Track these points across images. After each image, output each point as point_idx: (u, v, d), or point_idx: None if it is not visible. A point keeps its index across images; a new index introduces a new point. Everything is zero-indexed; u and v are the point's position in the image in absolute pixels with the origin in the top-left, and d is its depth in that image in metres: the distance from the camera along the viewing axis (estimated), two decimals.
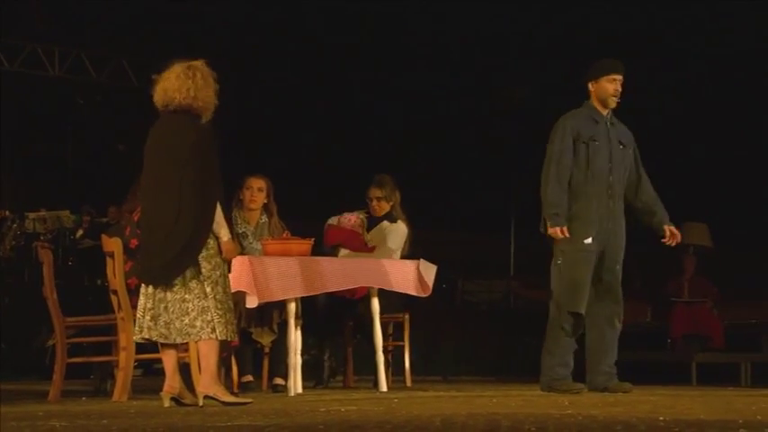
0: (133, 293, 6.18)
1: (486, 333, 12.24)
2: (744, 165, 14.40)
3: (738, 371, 9.82)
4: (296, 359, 6.46)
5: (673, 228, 6.66)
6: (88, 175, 15.46)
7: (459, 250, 14.52)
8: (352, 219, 7.45)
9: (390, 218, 7.56)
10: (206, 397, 5.42)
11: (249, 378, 6.96)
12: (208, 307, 5.38)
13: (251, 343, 7.03)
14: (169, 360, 5.50)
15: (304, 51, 15.09)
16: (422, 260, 7.09)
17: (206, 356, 5.44)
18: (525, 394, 6.19)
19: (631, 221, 6.68)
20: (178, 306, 5.39)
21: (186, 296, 5.39)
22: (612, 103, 6.55)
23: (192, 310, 5.38)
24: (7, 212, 12.69)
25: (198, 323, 5.38)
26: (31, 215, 12.72)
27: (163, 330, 5.42)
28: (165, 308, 5.41)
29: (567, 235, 6.35)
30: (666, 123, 14.42)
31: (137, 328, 5.50)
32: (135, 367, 6.43)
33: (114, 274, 6.10)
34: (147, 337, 5.47)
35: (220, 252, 5.44)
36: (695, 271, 10.43)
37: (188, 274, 5.39)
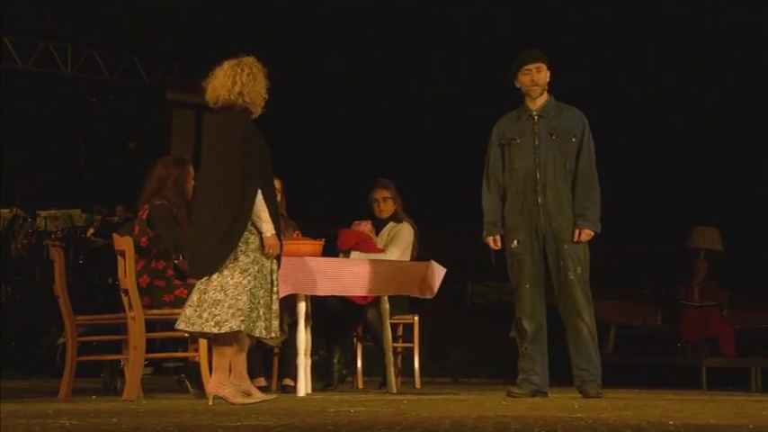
0: (144, 292, 6.20)
1: (496, 335, 12.20)
2: (754, 168, 14.37)
3: (749, 375, 9.80)
4: (305, 360, 6.46)
5: (579, 234, 6.19)
6: (99, 173, 15.49)
7: (469, 252, 14.50)
8: (361, 225, 7.50)
9: (396, 219, 7.59)
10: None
11: (262, 382, 6.94)
12: (220, 300, 5.38)
13: (261, 344, 7.03)
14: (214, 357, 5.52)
15: (310, 52, 15.11)
16: (432, 261, 7.09)
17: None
18: (534, 397, 6.17)
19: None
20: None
21: (206, 287, 5.39)
22: (534, 93, 6.32)
23: (205, 300, 5.37)
24: (16, 210, 12.72)
25: (204, 314, 5.37)
26: (43, 213, 12.75)
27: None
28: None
29: (499, 245, 6.32)
30: (678, 127, 14.40)
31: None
32: (145, 366, 6.43)
33: (125, 273, 6.11)
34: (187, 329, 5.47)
35: (263, 247, 5.45)
36: (706, 275, 10.40)
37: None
